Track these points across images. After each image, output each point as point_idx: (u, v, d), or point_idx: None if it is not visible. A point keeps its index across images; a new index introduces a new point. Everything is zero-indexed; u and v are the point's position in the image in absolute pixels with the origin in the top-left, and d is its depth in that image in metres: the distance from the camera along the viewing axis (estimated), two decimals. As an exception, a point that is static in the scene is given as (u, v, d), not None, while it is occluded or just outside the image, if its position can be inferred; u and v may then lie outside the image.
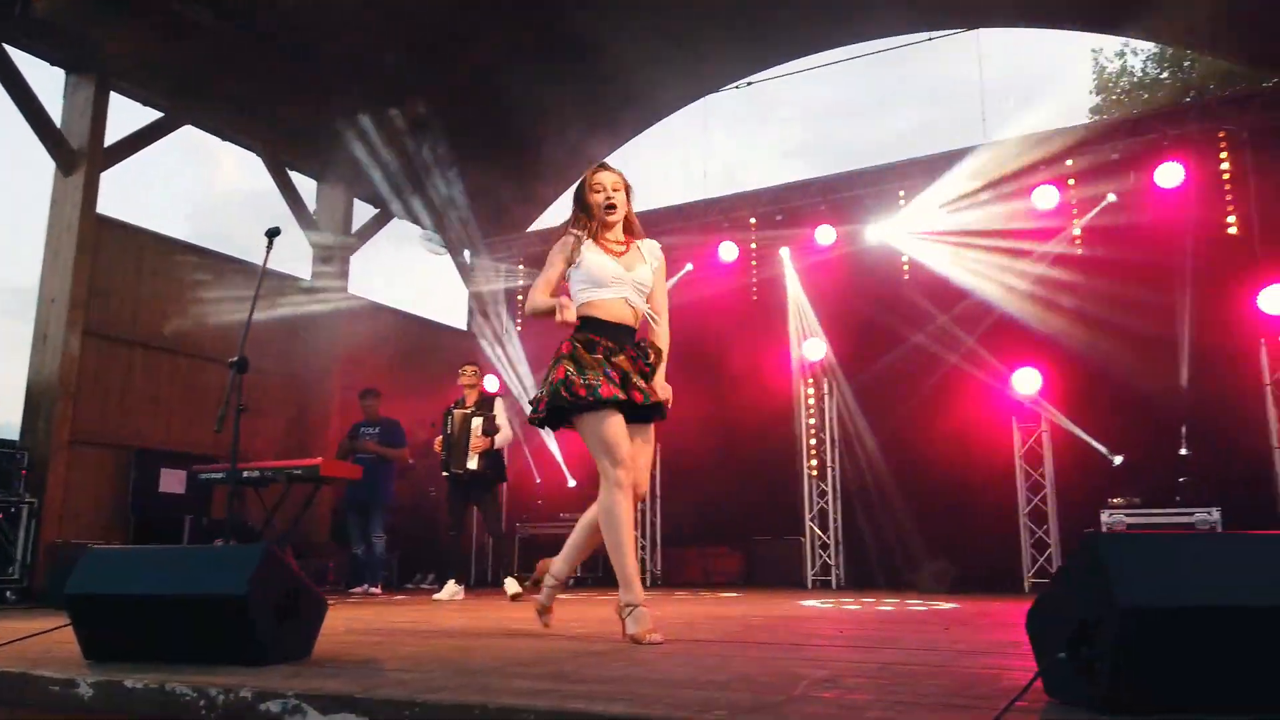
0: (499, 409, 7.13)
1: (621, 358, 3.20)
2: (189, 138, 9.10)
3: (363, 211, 10.91)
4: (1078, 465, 8.34)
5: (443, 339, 11.99)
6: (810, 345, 9.72)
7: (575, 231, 3.36)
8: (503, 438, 7.05)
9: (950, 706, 1.77)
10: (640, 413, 3.22)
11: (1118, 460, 8.03)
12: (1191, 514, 7.19)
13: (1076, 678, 1.74)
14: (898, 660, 2.59)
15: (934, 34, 9.81)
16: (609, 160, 3.49)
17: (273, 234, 4.11)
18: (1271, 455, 7.45)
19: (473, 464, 6.88)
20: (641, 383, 3.20)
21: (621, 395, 3.12)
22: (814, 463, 9.63)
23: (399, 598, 7.20)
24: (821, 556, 9.32)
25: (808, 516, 9.43)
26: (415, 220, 11.57)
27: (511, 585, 6.54)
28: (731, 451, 10.02)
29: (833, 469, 9.56)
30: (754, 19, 10.23)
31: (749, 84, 10.93)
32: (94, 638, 2.51)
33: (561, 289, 3.36)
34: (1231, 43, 9.45)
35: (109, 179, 8.10)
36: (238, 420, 3.87)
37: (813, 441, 9.68)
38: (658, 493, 10.40)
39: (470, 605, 5.94)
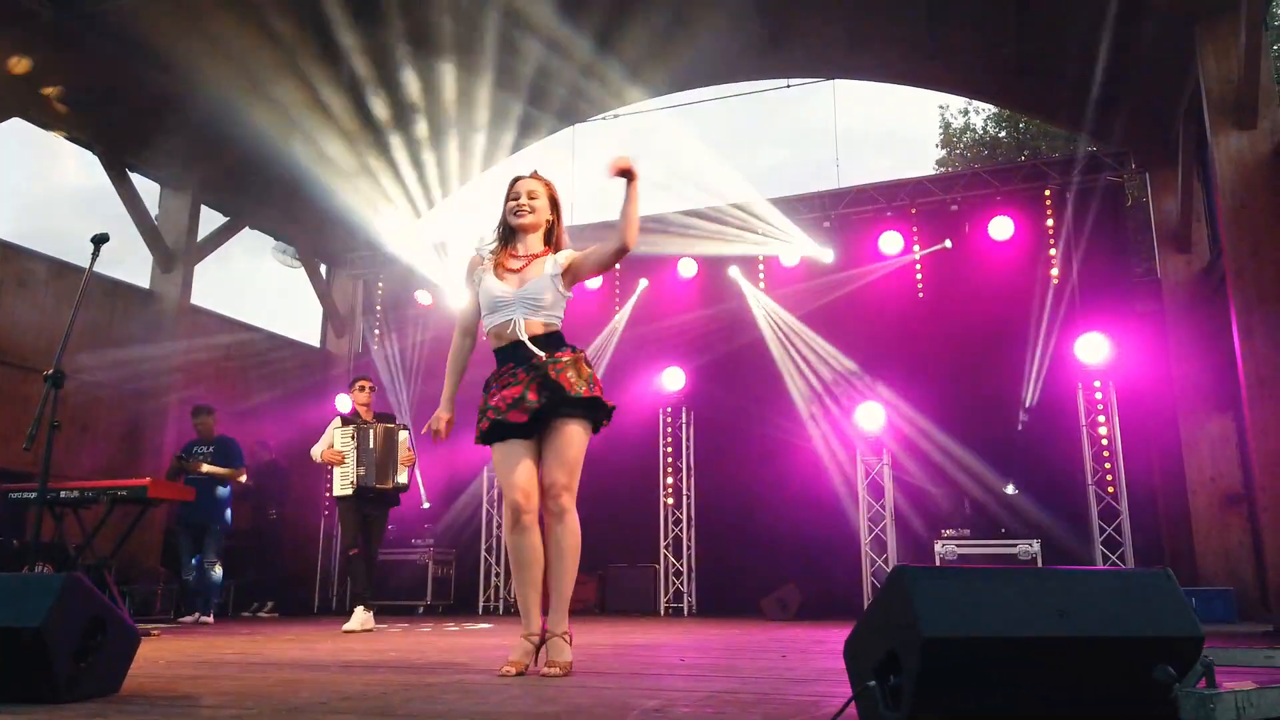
0: (401, 426, 6.70)
1: (516, 377, 3.06)
2: (19, 130, 8.48)
3: (211, 219, 10.43)
4: (917, 498, 8.79)
5: (292, 355, 11.55)
6: (669, 375, 9.88)
7: (479, 250, 3.25)
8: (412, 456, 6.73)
9: (767, 734, 1.82)
10: (532, 426, 3.04)
11: (1010, 489, 8.46)
12: (1015, 545, 7.68)
13: (885, 703, 1.83)
14: (728, 688, 2.65)
15: (793, 81, 10.22)
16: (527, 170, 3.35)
17: (99, 240, 3.86)
18: (1087, 491, 8.06)
19: (402, 478, 6.47)
20: (533, 396, 3.01)
21: (486, 424, 3.08)
22: (670, 491, 9.76)
23: (232, 627, 6.83)
24: (675, 584, 9.44)
25: (663, 544, 9.53)
26: (268, 230, 11.14)
27: (362, 617, 6.10)
28: (588, 478, 10.02)
29: (688, 497, 9.72)
30: (619, 55, 10.41)
31: (616, 116, 11.07)
32: None
33: (474, 322, 3.35)
34: (1053, 109, 10.27)
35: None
36: (50, 437, 3.60)
37: (670, 470, 9.82)
38: (513, 519, 10.30)
39: (307, 634, 5.70)
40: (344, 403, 10.81)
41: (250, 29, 8.43)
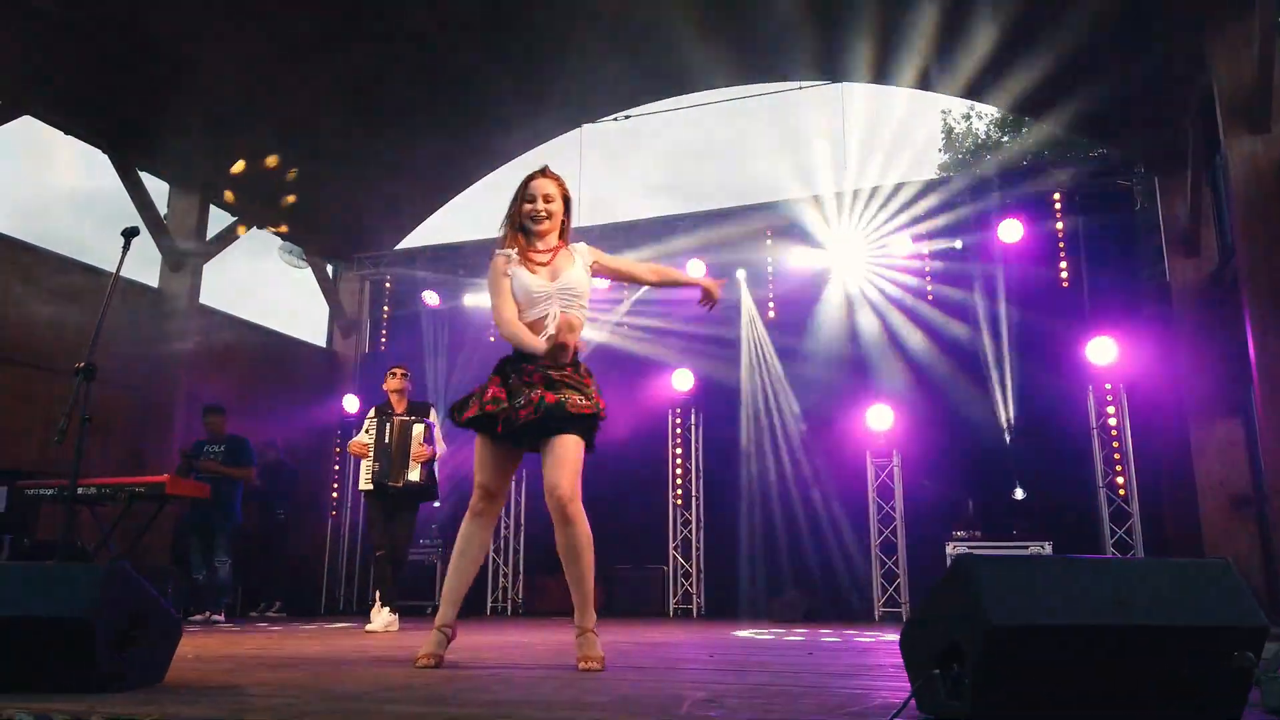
0: (435, 418, 6.36)
1: (532, 380, 3.02)
2: (19, 129, 8.45)
3: (219, 219, 10.42)
4: (926, 500, 8.79)
5: (299, 355, 11.54)
6: (678, 376, 9.88)
7: (503, 251, 3.18)
8: (440, 450, 6.36)
9: (832, 723, 1.82)
10: (533, 431, 3.02)
11: (1019, 493, 8.46)
12: (1026, 546, 7.68)
13: (947, 693, 1.83)
14: (770, 682, 2.64)
15: (803, 84, 10.24)
16: (549, 168, 3.28)
17: (130, 234, 3.85)
18: (1098, 493, 8.07)
19: (414, 475, 6.11)
20: (540, 397, 2.98)
21: (476, 413, 3.03)
22: (679, 493, 9.75)
23: (243, 626, 6.81)
24: (684, 585, 9.43)
25: (671, 545, 9.52)
26: (275, 230, 11.13)
27: (386, 619, 5.95)
28: (597, 479, 10.01)
29: (697, 499, 9.71)
30: (632, 56, 10.43)
31: (626, 117, 11.09)
32: (-91, 664, 2.25)
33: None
34: (1060, 113, 10.30)
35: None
36: (83, 431, 3.59)
37: (679, 471, 9.81)
38: (520, 520, 10.30)
39: (321, 633, 5.68)
40: (352, 402, 10.81)
41: (259, 27, 8.44)
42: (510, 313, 3.11)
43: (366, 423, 6.33)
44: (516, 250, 3.17)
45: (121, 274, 3.96)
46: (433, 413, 6.40)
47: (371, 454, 6.17)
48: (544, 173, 3.25)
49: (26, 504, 6.91)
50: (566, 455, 3.00)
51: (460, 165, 11.78)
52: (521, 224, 3.19)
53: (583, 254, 3.24)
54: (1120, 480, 8.16)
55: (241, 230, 10.48)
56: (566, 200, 3.27)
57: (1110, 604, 1.80)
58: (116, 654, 2.26)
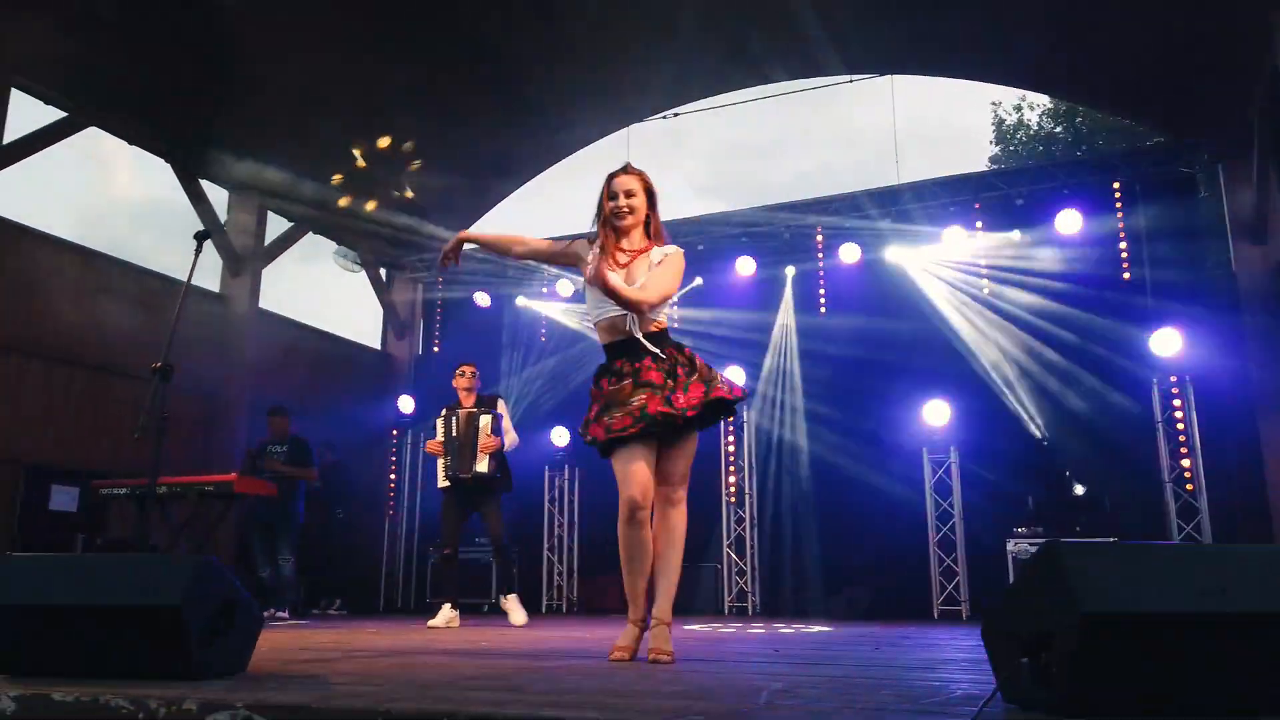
0: (504, 409, 6.46)
1: (642, 375, 3.02)
2: (83, 139, 8.69)
3: (277, 224, 10.63)
4: (984, 496, 8.65)
5: (354, 357, 11.73)
6: (729, 374, 9.83)
7: (595, 247, 3.20)
8: (510, 441, 6.42)
9: (922, 712, 1.80)
10: (675, 424, 3.01)
11: (1080, 489, 8.30)
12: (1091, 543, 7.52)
13: (1034, 684, 1.80)
14: (842, 675, 2.62)
15: (855, 77, 10.15)
16: (626, 162, 3.29)
17: (202, 238, 3.95)
18: (1163, 489, 7.88)
19: (482, 466, 6.14)
20: (674, 392, 3.00)
21: (633, 428, 2.96)
22: (732, 489, 9.72)
23: (308, 623, 6.94)
24: (739, 583, 9.40)
25: (725, 543, 9.50)
26: (330, 235, 11.33)
27: (516, 611, 6.15)
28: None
29: (750, 496, 9.68)
30: (676, 54, 10.43)
31: (675, 115, 11.08)
32: (11, 651, 2.34)
33: (538, 253, 3.41)
34: (1119, 101, 10.09)
35: (1, 177, 7.70)
36: (160, 430, 3.69)
37: (731, 468, 9.79)
38: (575, 520, 10.35)
39: (386, 629, 5.77)
40: (406, 403, 10.96)
41: (320, 36, 8.60)
42: (537, 240, 3.39)
43: (438, 421, 6.41)
44: (601, 246, 3.19)
45: (183, 279, 4.05)
46: (500, 404, 6.47)
47: (444, 450, 6.27)
48: (625, 169, 3.24)
49: (98, 503, 7.12)
50: (691, 443, 3.15)
51: (508, 167, 11.88)
52: (609, 221, 3.20)
53: (661, 253, 3.19)
54: (1187, 475, 7.96)
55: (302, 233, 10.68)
56: (650, 194, 3.25)
57: (1210, 591, 1.76)
58: (206, 643, 2.32)
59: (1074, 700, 1.72)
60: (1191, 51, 8.20)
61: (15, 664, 2.34)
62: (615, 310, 3.09)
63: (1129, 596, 1.71)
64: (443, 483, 6.29)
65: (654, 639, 3.03)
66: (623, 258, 3.16)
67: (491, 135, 10.86)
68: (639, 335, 3.09)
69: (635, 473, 2.99)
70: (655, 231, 3.25)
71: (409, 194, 8.38)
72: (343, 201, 8.52)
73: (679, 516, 3.16)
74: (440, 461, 6.32)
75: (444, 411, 6.44)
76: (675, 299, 3.36)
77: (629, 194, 3.18)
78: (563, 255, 3.32)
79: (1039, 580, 1.85)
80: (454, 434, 6.25)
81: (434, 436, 6.41)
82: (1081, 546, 1.80)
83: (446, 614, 6.09)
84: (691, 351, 3.16)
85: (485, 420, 6.26)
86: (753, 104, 11.26)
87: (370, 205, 6.46)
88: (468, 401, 6.44)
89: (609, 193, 3.21)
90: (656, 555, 3.13)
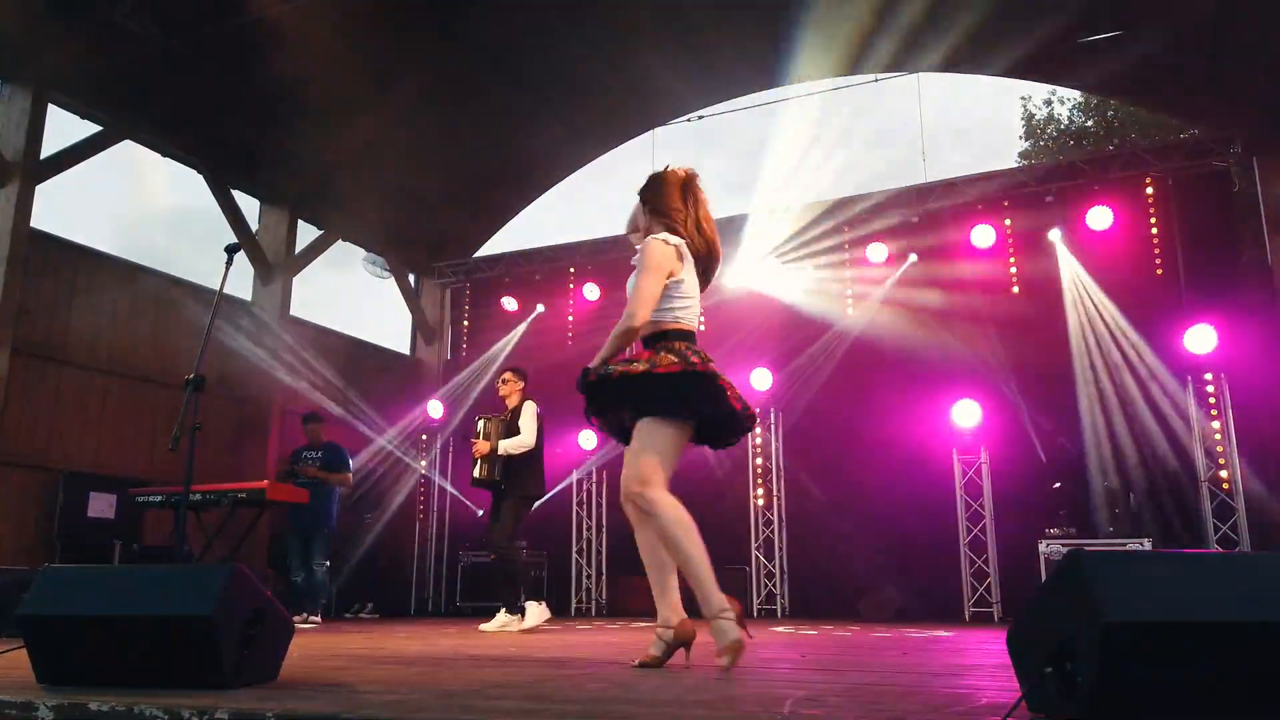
0: (527, 412, 6.47)
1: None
2: (117, 151, 8.85)
3: (306, 232, 10.77)
4: (1015, 497, 8.57)
5: (384, 363, 11.84)
6: (756, 375, 9.83)
7: (675, 240, 3.07)
8: (512, 443, 6.33)
9: (942, 721, 1.80)
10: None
11: (1113, 489, 8.18)
12: (1125, 544, 7.42)
13: (1058, 693, 1.79)
14: (870, 682, 2.62)
15: (880, 76, 10.08)
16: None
17: (233, 250, 4.02)
18: (1200, 487, 7.76)
19: (476, 472, 6.39)
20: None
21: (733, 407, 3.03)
22: (760, 492, 9.70)
23: (339, 626, 7.02)
24: (767, 585, 9.38)
25: (754, 545, 9.48)
26: (359, 242, 11.45)
27: (536, 612, 6.04)
28: (678, 480, 10.03)
29: (778, 498, 9.65)
30: (703, 55, 10.44)
31: (700, 118, 11.08)
32: (49, 661, 2.40)
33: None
34: (1151, 94, 9.95)
35: (39, 191, 7.86)
36: (193, 440, 3.76)
37: (759, 470, 9.76)
38: (603, 522, 10.38)
39: (417, 632, 5.82)
40: (436, 408, 11.05)
41: (350, 45, 8.69)
42: (653, 300, 3.00)
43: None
44: (686, 241, 3.09)
45: (215, 288, 4.12)
46: (526, 406, 6.51)
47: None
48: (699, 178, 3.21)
49: (134, 510, 7.26)
50: (634, 441, 3.17)
51: (536, 173, 11.95)
52: (699, 224, 3.13)
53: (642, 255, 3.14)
54: (1224, 474, 7.83)
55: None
56: (644, 204, 3.26)
57: (1240, 599, 1.74)
58: (237, 652, 2.37)
59: (1099, 710, 1.70)
60: (1223, 44, 8.07)
61: (54, 673, 2.39)
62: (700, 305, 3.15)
63: (1153, 605, 1.69)
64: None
65: (714, 635, 2.95)
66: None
67: (514, 144, 10.91)
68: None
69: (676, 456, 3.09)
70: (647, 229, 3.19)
71: None
72: None
73: (653, 520, 3.09)
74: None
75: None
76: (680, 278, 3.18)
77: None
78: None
79: (1062, 588, 1.84)
80: (483, 439, 6.46)
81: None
82: (1104, 555, 1.79)
83: (500, 619, 6.07)
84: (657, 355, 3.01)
85: (481, 424, 6.48)
86: (779, 104, 11.22)
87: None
88: (511, 403, 6.59)
89: (703, 197, 3.18)
90: (662, 557, 3.15)
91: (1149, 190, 9.07)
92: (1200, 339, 7.96)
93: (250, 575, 2.47)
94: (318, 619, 7.53)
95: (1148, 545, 7.33)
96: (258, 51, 8.68)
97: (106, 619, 2.37)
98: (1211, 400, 8.01)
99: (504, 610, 6.07)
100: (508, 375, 6.72)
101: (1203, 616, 1.69)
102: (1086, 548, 7.54)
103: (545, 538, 10.47)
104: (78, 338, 8.10)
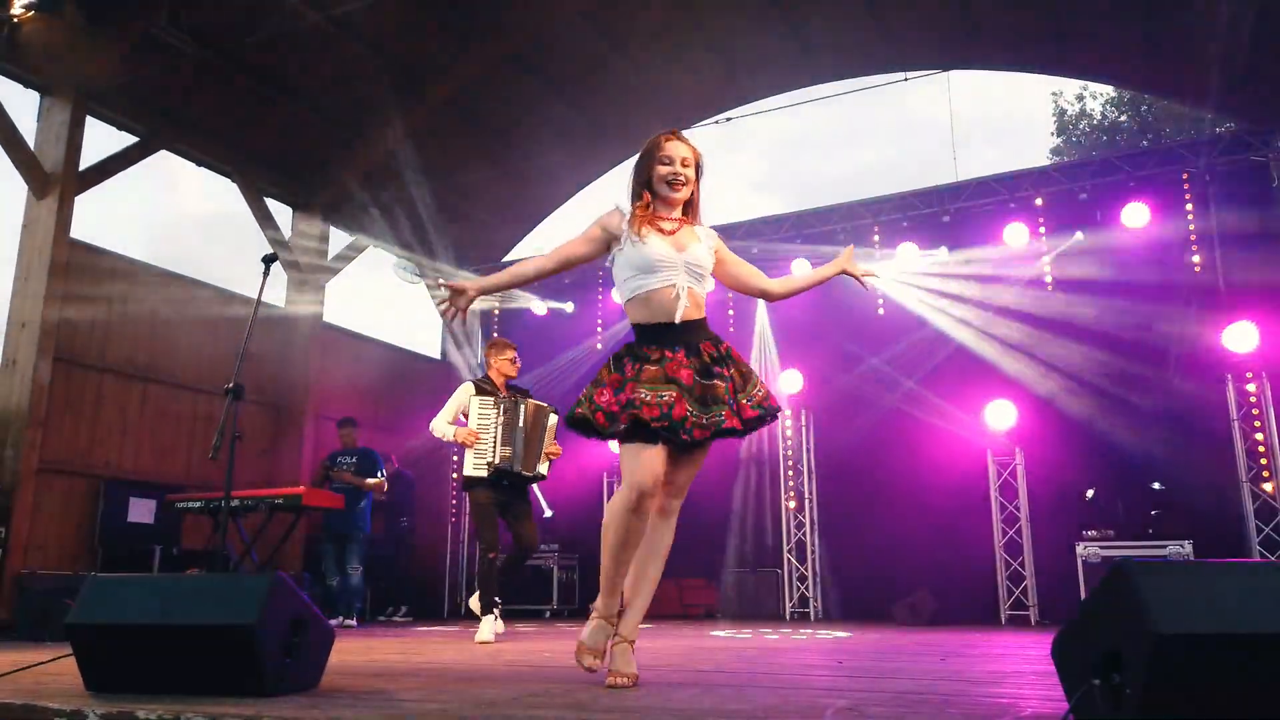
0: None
1: (670, 369, 2.71)
2: (151, 159, 8.94)
3: (338, 239, 10.86)
4: (1051, 499, 8.46)
5: (416, 368, 11.92)
6: (786, 377, 9.79)
7: (620, 209, 2.89)
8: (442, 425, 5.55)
9: (987, 734, 1.78)
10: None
11: (1152, 490, 8.04)
12: (1164, 546, 7.31)
13: (1105, 704, 1.77)
14: (910, 690, 2.60)
15: (910, 74, 10.00)
16: (683, 139, 2.93)
17: (269, 260, 4.07)
18: (1240, 489, 7.62)
19: (544, 468, 5.50)
20: (711, 410, 2.72)
21: (658, 422, 2.63)
22: (792, 494, 9.66)
23: (375, 630, 7.08)
24: (800, 588, 9.33)
25: (785, 548, 9.44)
26: (390, 248, 11.54)
27: (497, 625, 5.34)
28: (707, 483, 10.01)
29: (810, 500, 9.60)
30: (732, 54, 10.43)
31: (727, 119, 11.05)
32: (96, 668, 2.44)
33: (567, 260, 2.92)
34: (1186, 88, 9.77)
35: (77, 202, 7.98)
36: (233, 448, 3.81)
37: (790, 474, 9.72)
38: (634, 524, 10.37)
39: (451, 637, 5.86)
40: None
41: (374, 51, 8.78)
42: (555, 253, 2.92)
43: (472, 401, 5.47)
44: (639, 211, 2.86)
45: (250, 295, 4.16)
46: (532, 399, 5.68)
47: (496, 436, 5.33)
48: (677, 135, 2.92)
49: (173, 516, 7.37)
50: (703, 455, 2.88)
51: (561, 176, 11.97)
52: (654, 187, 2.88)
53: (709, 237, 2.96)
54: (1266, 474, 7.68)
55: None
56: (699, 170, 2.95)
57: (1287, 611, 1.70)
58: (279, 660, 2.39)
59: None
60: (1260, 34, 7.92)
61: (102, 681, 2.44)
62: (658, 283, 2.80)
63: (1203, 617, 1.67)
64: (475, 471, 5.31)
65: (615, 659, 2.69)
66: (668, 225, 2.87)
67: (540, 148, 10.95)
68: (678, 320, 2.78)
69: (650, 460, 2.68)
70: (695, 210, 2.97)
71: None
72: None
73: (668, 530, 2.88)
74: (480, 448, 5.34)
75: (473, 389, 5.54)
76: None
77: (685, 163, 2.88)
78: (594, 241, 2.92)
79: (1109, 599, 1.81)
80: (521, 423, 5.37)
81: (453, 415, 5.51)
82: (1152, 565, 1.76)
83: (496, 624, 5.36)
84: (730, 349, 2.88)
85: (554, 420, 5.56)
86: (808, 104, 11.17)
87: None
88: (504, 385, 5.62)
89: (663, 157, 2.87)
90: (637, 564, 2.83)
91: (1186, 185, 8.92)
92: (1241, 337, 7.82)
93: (291, 584, 2.50)
94: (353, 622, 7.61)
95: (1188, 548, 7.21)
96: (290, 62, 8.81)
97: (151, 628, 2.41)
98: (1253, 399, 7.86)
99: (495, 614, 5.34)
100: (517, 351, 5.83)
101: (1254, 629, 1.67)
102: (1125, 552, 7.43)
103: (576, 542, 10.48)
104: (117, 346, 8.23)
